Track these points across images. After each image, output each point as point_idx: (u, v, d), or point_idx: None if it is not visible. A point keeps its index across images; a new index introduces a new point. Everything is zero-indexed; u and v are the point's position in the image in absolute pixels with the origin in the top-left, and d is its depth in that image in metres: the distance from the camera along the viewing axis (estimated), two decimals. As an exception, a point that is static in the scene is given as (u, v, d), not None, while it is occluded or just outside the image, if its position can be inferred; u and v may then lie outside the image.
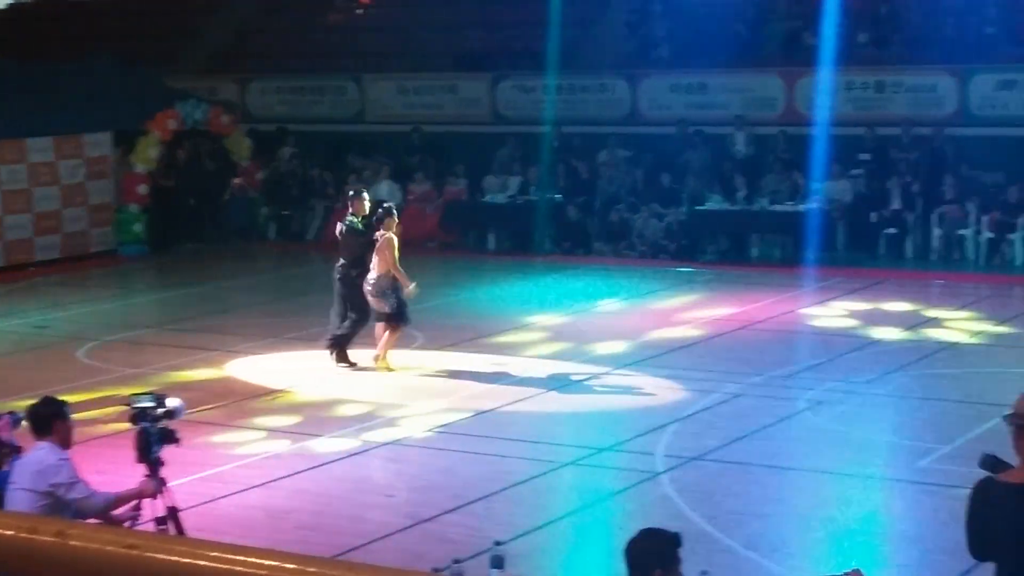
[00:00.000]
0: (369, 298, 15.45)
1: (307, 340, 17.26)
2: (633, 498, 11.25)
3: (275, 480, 11.79)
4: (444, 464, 12.25)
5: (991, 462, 6.03)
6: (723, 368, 15.57)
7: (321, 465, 12.21)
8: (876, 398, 14.32)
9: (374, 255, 15.42)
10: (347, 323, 15.81)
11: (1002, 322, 17.93)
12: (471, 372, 15.68)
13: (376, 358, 15.64)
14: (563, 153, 25.99)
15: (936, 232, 23.09)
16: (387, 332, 15.58)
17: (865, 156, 24.53)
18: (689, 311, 18.94)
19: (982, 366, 15.46)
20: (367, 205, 16.11)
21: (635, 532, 5.84)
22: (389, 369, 15.63)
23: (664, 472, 11.78)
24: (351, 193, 16.62)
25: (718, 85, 26.26)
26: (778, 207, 23.42)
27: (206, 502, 11.05)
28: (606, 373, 15.54)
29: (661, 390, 14.77)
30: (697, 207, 23.96)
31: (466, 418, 13.72)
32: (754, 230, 23.86)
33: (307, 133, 28.46)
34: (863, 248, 23.58)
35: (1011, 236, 22.50)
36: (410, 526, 10.55)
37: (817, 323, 18.07)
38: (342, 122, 29.12)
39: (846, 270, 22.06)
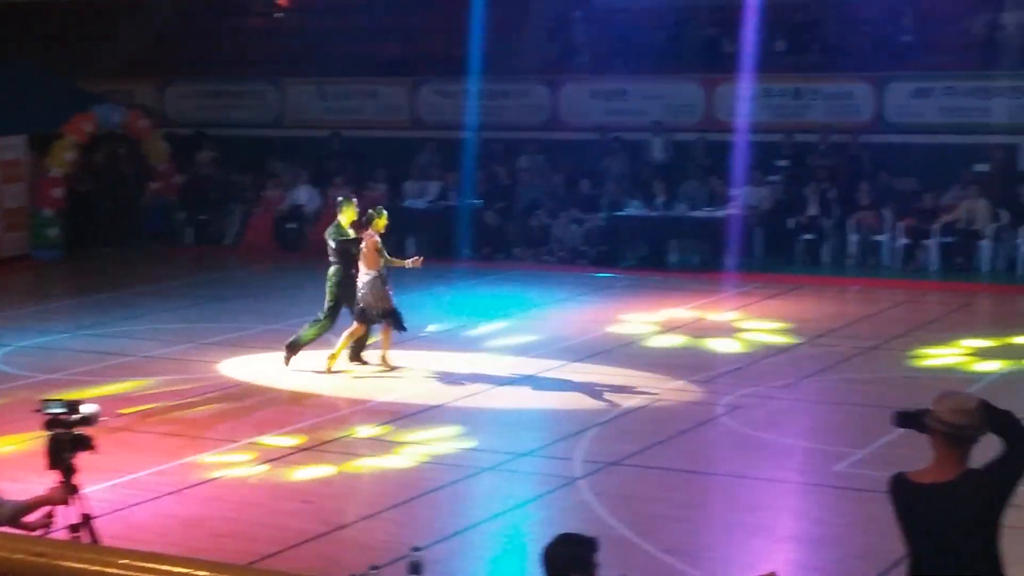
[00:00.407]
0: (368, 299, 15.59)
1: (224, 345, 17.17)
2: (551, 503, 11.24)
3: (190, 487, 11.68)
4: (363, 470, 12.19)
5: (904, 417, 6.02)
6: (642, 373, 15.62)
7: (237, 471, 12.11)
8: (792, 403, 14.43)
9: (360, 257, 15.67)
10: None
11: (916, 327, 18.12)
12: (388, 377, 15.63)
13: (382, 359, 15.92)
14: (483, 159, 26.00)
15: (852, 238, 23.33)
16: (385, 332, 15.88)
17: (783, 163, 24.76)
18: (608, 316, 19.00)
19: (896, 371, 15.60)
20: (355, 210, 16.20)
21: (553, 537, 5.82)
22: (391, 367, 15.87)
23: (582, 477, 11.79)
24: (339, 199, 16.63)
25: (638, 92, 26.40)
26: (697, 213, 23.55)
27: (120, 509, 10.92)
28: (525, 378, 15.55)
29: (580, 395, 14.79)
30: (616, 213, 24.05)
31: (384, 423, 13.68)
32: (673, 236, 23.96)
33: (226, 137, 28.27)
34: (780, 254, 23.77)
35: (926, 242, 22.77)
36: (327, 532, 10.49)
37: (735, 328, 18.17)
38: (261, 126, 28.97)
39: (764, 276, 22.20)
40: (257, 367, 16.07)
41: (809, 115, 25.14)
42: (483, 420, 14.08)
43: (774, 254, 23.85)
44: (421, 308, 19.53)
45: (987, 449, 6.00)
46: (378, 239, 15.67)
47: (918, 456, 6.17)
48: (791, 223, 23.73)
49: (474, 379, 15.53)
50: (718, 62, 26.26)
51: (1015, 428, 5.89)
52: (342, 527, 10.60)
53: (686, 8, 27.35)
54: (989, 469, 5.86)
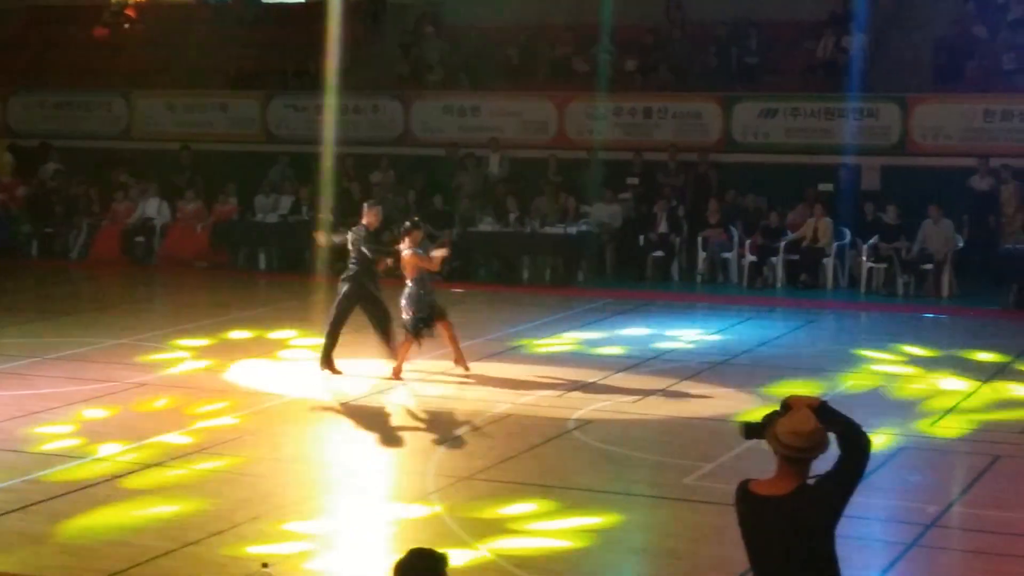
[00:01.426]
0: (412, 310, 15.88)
1: (71, 360, 16.88)
2: (404, 517, 11.22)
3: (34, 504, 11.45)
4: (212, 486, 12.05)
5: (750, 430, 6.07)
6: (493, 388, 15.69)
7: (82, 489, 11.90)
8: (643, 417, 14.58)
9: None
10: (379, 328, 16.22)
11: (763, 343, 18.46)
12: (238, 390, 15.49)
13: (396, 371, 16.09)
14: (336, 173, 25.90)
15: (701, 255, 23.69)
16: (403, 343, 16.07)
17: (633, 180, 25.07)
18: (460, 331, 19.02)
19: (743, 384, 15.85)
20: (379, 217, 16.68)
21: (404, 552, 5.82)
22: (467, 369, 16.25)
23: (434, 492, 11.80)
24: (366, 205, 16.94)
25: (490, 108, 26.56)
26: (549, 229, 23.73)
27: (-39, 527, 10.68)
28: (376, 392, 15.53)
29: (431, 410, 14.81)
30: (469, 229, 24.13)
31: (233, 438, 13.53)
32: (526, 252, 24.12)
33: (72, 149, 27.84)
34: (631, 270, 24.05)
35: (772, 260, 23.21)
36: (175, 549, 10.35)
37: (586, 343, 18.31)
38: (109, 138, 28.57)
39: (615, 292, 22.44)
40: (106, 380, 15.82)
41: (659, 134, 25.51)
42: (331, 435, 14.02)
43: (625, 270, 24.14)
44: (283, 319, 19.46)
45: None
46: (418, 251, 15.94)
47: (765, 468, 6.26)
48: (641, 240, 24.04)
49: (321, 393, 15.47)
50: (569, 80, 26.55)
51: (852, 436, 5.97)
52: (191, 544, 10.48)
53: (537, 26, 27.59)
54: (823, 483, 5.94)
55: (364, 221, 16.47)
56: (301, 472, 12.52)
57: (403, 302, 15.93)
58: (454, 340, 16.29)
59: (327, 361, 16.19)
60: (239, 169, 26.85)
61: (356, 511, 11.43)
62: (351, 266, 16.30)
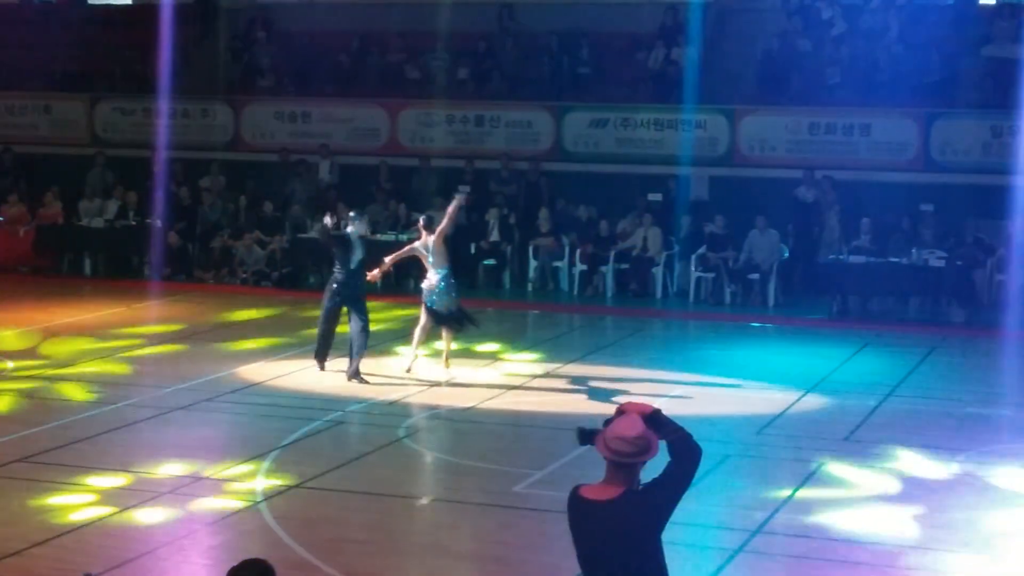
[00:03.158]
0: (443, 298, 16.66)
1: None
2: (231, 528, 11.08)
3: None
4: (31, 495, 11.77)
5: (584, 435, 6.11)
6: (324, 394, 15.58)
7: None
8: (474, 425, 14.60)
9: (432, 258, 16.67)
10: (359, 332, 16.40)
11: (593, 351, 18.61)
12: (63, 400, 15.16)
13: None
14: (165, 178, 25.54)
15: (532, 264, 23.82)
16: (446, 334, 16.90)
17: (465, 188, 25.08)
18: (285, 342, 18.88)
19: (574, 392, 15.95)
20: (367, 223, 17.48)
21: (232, 563, 5.76)
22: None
23: (263, 501, 11.67)
24: (352, 215, 17.35)
25: (321, 115, 26.43)
26: (380, 236, 23.61)
27: None
28: (207, 399, 15.32)
29: (260, 418, 14.66)
30: (300, 235, 23.97)
31: (56, 448, 13.23)
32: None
33: None
34: (463, 278, 24.01)
35: (603, 269, 23.41)
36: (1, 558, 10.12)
37: (417, 352, 18.26)
38: (-73, 139, 27.79)
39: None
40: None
41: (491, 142, 25.60)
42: (159, 444, 13.76)
43: (456, 279, 24.05)
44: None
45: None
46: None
47: (596, 475, 6.29)
48: (473, 248, 24.08)
49: (148, 402, 15.20)
50: (401, 87, 26.54)
51: (682, 444, 6.01)
52: (11, 555, 10.22)
53: (370, 33, 27.51)
54: (650, 489, 5.98)
55: (350, 229, 16.94)
56: (128, 483, 12.25)
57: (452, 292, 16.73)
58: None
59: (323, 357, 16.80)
60: (64, 172, 26.31)
61: (181, 522, 11.23)
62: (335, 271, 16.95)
